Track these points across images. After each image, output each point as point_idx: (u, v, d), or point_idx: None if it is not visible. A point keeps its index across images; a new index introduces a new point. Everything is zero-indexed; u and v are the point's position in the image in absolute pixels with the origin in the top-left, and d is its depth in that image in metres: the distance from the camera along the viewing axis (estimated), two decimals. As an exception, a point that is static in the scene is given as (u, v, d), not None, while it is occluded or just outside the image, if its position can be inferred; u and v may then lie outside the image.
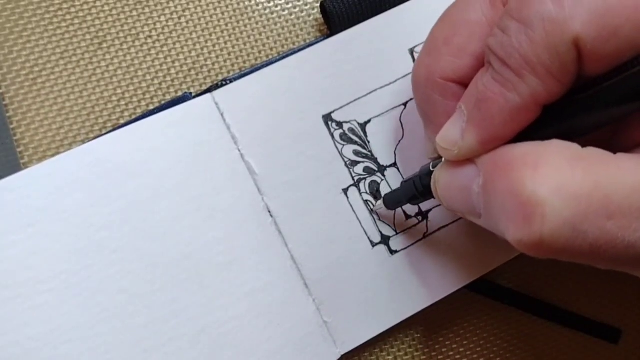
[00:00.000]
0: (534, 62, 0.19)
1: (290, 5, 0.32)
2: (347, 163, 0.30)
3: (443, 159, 0.24)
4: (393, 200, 0.28)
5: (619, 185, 0.18)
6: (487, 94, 0.21)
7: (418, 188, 0.26)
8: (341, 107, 0.30)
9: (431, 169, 0.25)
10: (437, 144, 0.23)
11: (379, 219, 0.29)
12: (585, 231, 0.18)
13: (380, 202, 0.29)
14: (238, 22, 0.32)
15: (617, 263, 0.19)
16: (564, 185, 0.18)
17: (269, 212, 0.29)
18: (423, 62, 0.25)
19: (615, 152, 0.19)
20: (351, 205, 0.29)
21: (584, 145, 0.20)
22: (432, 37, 0.25)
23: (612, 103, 0.20)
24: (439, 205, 0.30)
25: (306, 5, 0.32)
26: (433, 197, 0.25)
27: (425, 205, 0.30)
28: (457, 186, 0.22)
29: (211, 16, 0.32)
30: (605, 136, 0.23)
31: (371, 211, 0.29)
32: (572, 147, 0.19)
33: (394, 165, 0.30)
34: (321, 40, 0.30)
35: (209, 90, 0.29)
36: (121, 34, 0.31)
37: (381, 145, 0.30)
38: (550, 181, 0.18)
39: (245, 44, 0.32)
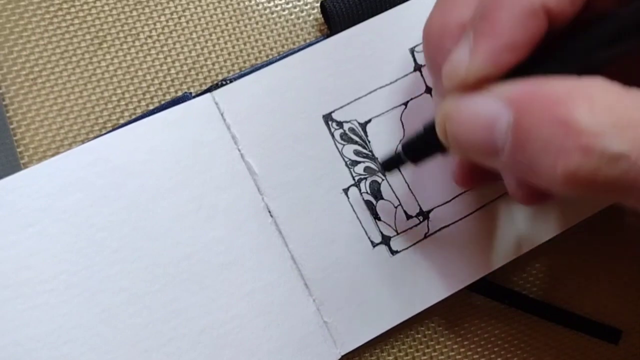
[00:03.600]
0: None
1: (290, 5, 0.32)
2: (348, 163, 0.30)
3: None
4: (393, 162, 0.27)
5: None
6: (493, 3, 0.20)
7: (426, 142, 0.24)
8: (341, 107, 0.30)
9: (431, 122, 0.23)
10: (443, 77, 0.21)
11: (379, 219, 0.29)
12: None
13: (377, 163, 0.28)
14: (238, 22, 0.32)
15: None
16: (621, 118, 0.18)
17: (269, 212, 0.29)
18: (437, 11, 0.24)
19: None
20: (352, 206, 0.29)
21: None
22: None
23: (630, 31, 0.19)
24: (440, 205, 0.30)
25: (306, 5, 0.32)
26: (434, 154, 0.24)
27: (426, 206, 0.30)
28: (476, 121, 0.20)
29: (211, 16, 0.32)
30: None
31: (374, 214, 0.29)
32: (615, 85, 0.18)
33: (395, 165, 0.30)
34: (321, 40, 0.30)
35: (208, 90, 0.29)
36: (121, 34, 0.31)
37: (382, 145, 0.30)
38: (607, 114, 0.18)
39: (245, 44, 0.32)
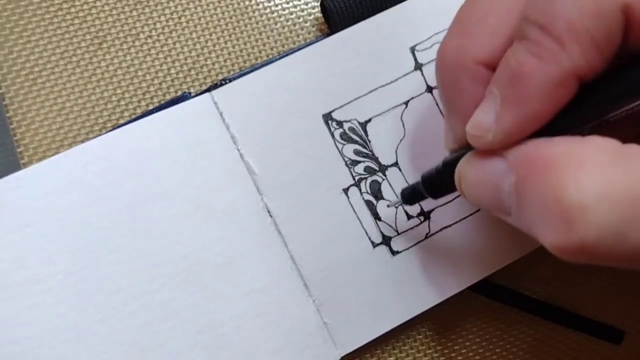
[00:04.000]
0: (578, 28, 0.18)
1: (290, 4, 0.32)
2: (348, 162, 0.29)
3: (465, 154, 0.22)
4: (412, 195, 0.27)
5: None
6: (521, 69, 0.19)
7: (441, 180, 0.25)
8: (341, 106, 0.29)
9: (450, 160, 0.24)
10: (467, 132, 0.22)
11: (380, 219, 0.29)
12: (628, 236, 0.17)
13: (398, 197, 0.28)
14: (238, 22, 0.32)
15: None
16: (607, 190, 0.17)
17: (269, 212, 0.29)
18: (452, 43, 0.23)
19: None
20: (352, 205, 0.29)
21: (624, 139, 0.19)
22: (462, 16, 0.23)
23: None
24: (441, 205, 0.30)
25: (306, 4, 0.32)
26: (454, 190, 0.24)
27: (427, 206, 0.30)
28: (485, 183, 0.21)
29: (211, 16, 0.32)
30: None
31: (374, 214, 0.29)
32: (612, 145, 0.18)
33: (395, 164, 0.30)
34: (321, 39, 0.30)
35: (208, 90, 0.29)
36: (121, 34, 0.31)
37: (382, 145, 0.30)
38: (593, 185, 0.17)
39: (245, 44, 0.32)
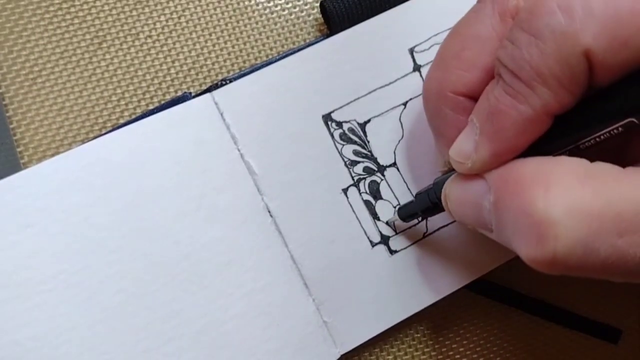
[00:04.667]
0: (545, 73, 0.19)
1: (290, 5, 0.32)
2: (347, 163, 0.30)
3: (451, 174, 0.24)
4: (407, 213, 0.28)
5: (629, 202, 0.18)
6: (498, 106, 0.21)
7: (432, 200, 0.26)
8: (341, 107, 0.30)
9: (440, 180, 0.25)
10: (450, 157, 0.23)
11: (378, 219, 0.29)
12: (597, 249, 0.18)
13: (394, 214, 0.29)
14: (238, 22, 0.32)
15: (629, 277, 0.20)
16: (575, 205, 0.18)
17: (269, 212, 0.29)
18: (433, 76, 0.25)
19: (624, 164, 0.19)
20: (351, 205, 0.29)
21: (592, 159, 0.20)
22: (442, 52, 0.25)
23: (622, 114, 0.20)
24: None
25: (306, 5, 0.32)
26: (444, 210, 0.25)
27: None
28: (468, 201, 0.23)
29: (211, 16, 0.32)
30: (614, 145, 0.23)
31: (373, 214, 0.29)
32: (582, 164, 0.20)
33: (394, 165, 0.30)
34: (321, 40, 0.30)
35: (208, 90, 0.29)
36: (121, 34, 0.31)
37: (381, 145, 0.30)
38: (562, 201, 0.18)
39: (245, 44, 0.32)
